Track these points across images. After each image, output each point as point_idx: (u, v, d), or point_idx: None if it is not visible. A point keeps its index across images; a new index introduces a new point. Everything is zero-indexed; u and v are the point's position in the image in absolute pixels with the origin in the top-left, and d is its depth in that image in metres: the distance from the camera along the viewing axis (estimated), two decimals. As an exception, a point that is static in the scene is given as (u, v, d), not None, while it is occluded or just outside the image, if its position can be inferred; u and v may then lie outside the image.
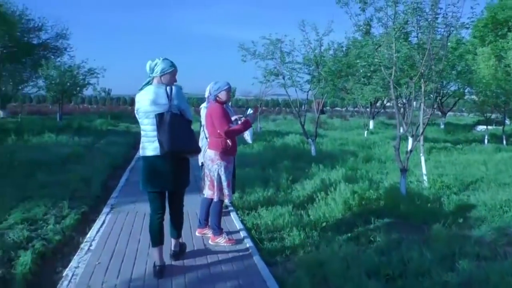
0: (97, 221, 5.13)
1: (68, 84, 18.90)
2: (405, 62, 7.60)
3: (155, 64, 3.79)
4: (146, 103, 3.68)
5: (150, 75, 3.79)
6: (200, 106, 4.86)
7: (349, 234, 5.12)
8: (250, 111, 4.37)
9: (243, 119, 4.37)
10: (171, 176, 3.63)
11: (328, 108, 62.67)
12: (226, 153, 4.27)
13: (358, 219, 5.65)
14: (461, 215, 5.86)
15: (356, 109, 62.83)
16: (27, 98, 59.77)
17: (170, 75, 3.78)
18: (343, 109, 63.61)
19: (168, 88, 3.68)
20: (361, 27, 6.28)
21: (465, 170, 9.53)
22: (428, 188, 7.33)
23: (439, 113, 25.32)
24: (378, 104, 20.14)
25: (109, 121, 22.90)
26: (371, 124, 21.89)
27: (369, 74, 11.81)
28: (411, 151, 6.51)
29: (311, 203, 6.24)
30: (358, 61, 11.89)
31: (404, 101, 12.22)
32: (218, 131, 4.19)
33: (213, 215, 4.42)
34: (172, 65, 3.81)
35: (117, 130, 19.04)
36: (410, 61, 7.74)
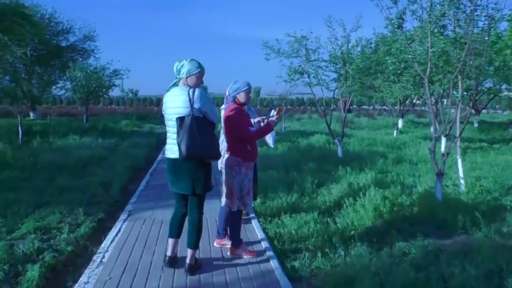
0: (112, 229, 4.91)
1: (94, 85, 19.04)
2: (440, 57, 7.06)
3: (182, 66, 3.65)
4: (170, 105, 3.63)
5: (177, 76, 3.68)
6: (220, 108, 4.58)
7: (381, 245, 4.71)
8: (273, 112, 4.04)
9: (266, 121, 4.04)
10: (189, 180, 3.55)
11: (354, 106, 61.54)
12: (246, 158, 3.95)
13: (390, 227, 5.22)
14: (505, 223, 5.33)
15: (383, 107, 61.59)
16: (57, 100, 61.55)
17: (196, 76, 3.63)
18: (370, 107, 62.36)
19: (191, 90, 3.55)
20: (393, 21, 5.82)
21: (504, 173, 8.87)
22: (465, 192, 6.79)
23: (473, 110, 24.21)
24: (407, 102, 19.36)
25: (134, 122, 23.03)
26: (400, 123, 21.13)
27: (399, 72, 11.24)
28: (447, 153, 5.99)
29: (338, 209, 5.85)
30: (387, 58, 11.37)
31: (435, 99, 11.59)
32: (236, 135, 3.89)
33: (232, 225, 4.11)
34: (199, 66, 3.65)
35: (141, 131, 19.06)
36: (445, 57, 7.20)
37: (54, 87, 24.48)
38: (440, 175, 5.89)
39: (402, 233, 5.02)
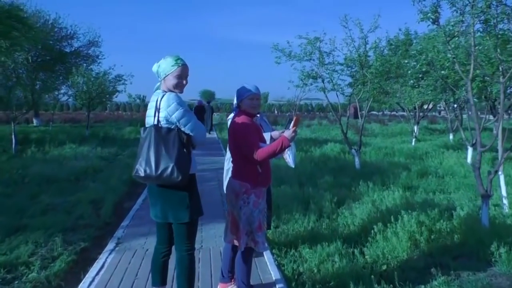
0: (95, 264, 4.06)
1: (96, 91, 18.34)
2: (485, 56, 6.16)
3: (158, 66, 2.90)
4: (148, 116, 2.93)
5: (158, 80, 2.94)
6: (228, 118, 3.74)
7: (423, 287, 3.81)
8: (291, 124, 3.17)
9: (291, 129, 3.15)
10: (160, 205, 2.88)
11: (363, 112, 60.36)
12: (256, 183, 3.09)
13: (429, 261, 4.32)
14: None
15: (393, 113, 60.31)
16: (64, 106, 61.27)
17: (173, 76, 2.84)
18: (379, 113, 61.17)
19: (160, 95, 2.81)
20: (428, 15, 4.94)
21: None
22: (510, 214, 5.85)
23: (490, 116, 23.07)
24: (425, 107, 18.39)
25: (138, 129, 22.29)
26: (415, 129, 20.16)
27: (420, 76, 10.34)
28: (495, 171, 5.06)
29: (364, 236, 4.95)
30: (406, 61, 10.48)
31: (458, 105, 10.67)
32: (244, 153, 3.03)
33: (239, 268, 3.23)
34: (175, 63, 2.84)
35: (145, 138, 18.28)
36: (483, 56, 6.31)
37: (56, 93, 23.88)
38: (486, 197, 4.97)
39: (445, 270, 4.11)
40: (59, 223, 5.17)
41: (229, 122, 3.52)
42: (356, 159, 9.72)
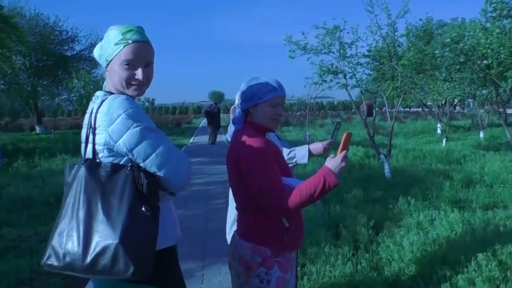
0: None
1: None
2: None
3: (101, 46, 1.62)
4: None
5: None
6: (226, 135, 2.41)
7: None
8: (340, 145, 1.83)
9: (339, 155, 1.77)
10: None
11: (377, 109, 58.66)
12: (281, 247, 1.81)
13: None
14: None
15: (406, 109, 58.31)
16: (72, 112, 60.66)
17: (118, 62, 1.56)
18: (393, 109, 59.35)
19: (98, 101, 1.60)
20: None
21: None
22: None
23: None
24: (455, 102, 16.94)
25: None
26: (439, 127, 18.66)
27: (457, 68, 8.93)
28: None
29: (423, 283, 3.62)
30: (437, 51, 9.07)
31: (503, 100, 9.24)
32: (259, 200, 1.74)
33: None
34: (123, 38, 1.54)
35: (149, 144, 17.07)
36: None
37: (57, 99, 22.97)
38: None
39: None
40: (17, 270, 3.93)
41: (227, 138, 2.21)
42: (386, 166, 8.35)
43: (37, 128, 25.86)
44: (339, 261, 4.06)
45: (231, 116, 1.94)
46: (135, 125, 1.49)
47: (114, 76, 1.59)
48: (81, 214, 1.44)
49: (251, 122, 1.85)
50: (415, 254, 4.17)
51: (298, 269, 3.90)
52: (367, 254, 4.34)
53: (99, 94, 1.62)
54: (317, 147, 2.58)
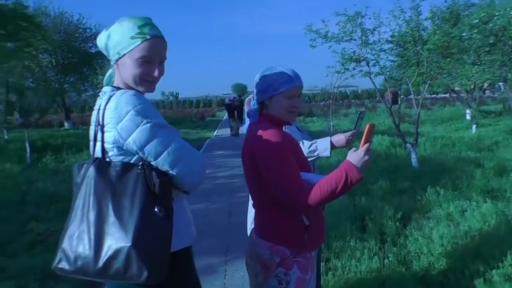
0: None
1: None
2: None
3: (108, 36, 1.53)
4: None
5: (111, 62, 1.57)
6: (242, 125, 2.32)
7: None
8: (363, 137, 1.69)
9: (361, 148, 1.64)
10: None
11: (402, 97, 57.30)
12: (300, 246, 1.72)
13: None
14: None
15: (433, 95, 56.62)
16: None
17: (132, 58, 1.48)
18: (419, 96, 57.88)
19: (105, 97, 1.53)
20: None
21: None
22: None
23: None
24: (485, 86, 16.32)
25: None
26: (468, 113, 18.04)
27: (487, 50, 8.53)
28: None
29: (454, 277, 3.45)
30: (464, 34, 8.68)
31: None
32: (277, 195, 1.65)
33: None
34: (140, 33, 1.47)
35: (173, 138, 17.21)
36: None
37: (83, 95, 23.54)
38: None
39: None
40: (44, 264, 3.98)
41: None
42: (413, 155, 8.09)
43: (66, 124, 26.50)
44: (365, 255, 3.94)
45: (246, 109, 1.85)
46: (144, 121, 1.42)
47: (126, 71, 1.53)
48: (92, 216, 1.39)
49: (267, 115, 1.76)
50: (445, 248, 4.00)
51: (322, 264, 3.81)
52: (394, 248, 4.20)
53: (106, 89, 1.56)
54: (339, 139, 2.46)
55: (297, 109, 1.75)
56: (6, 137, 17.53)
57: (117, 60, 1.54)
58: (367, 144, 1.60)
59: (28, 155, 10.40)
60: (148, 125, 1.42)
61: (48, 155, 10.40)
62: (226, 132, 20.47)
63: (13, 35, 10.45)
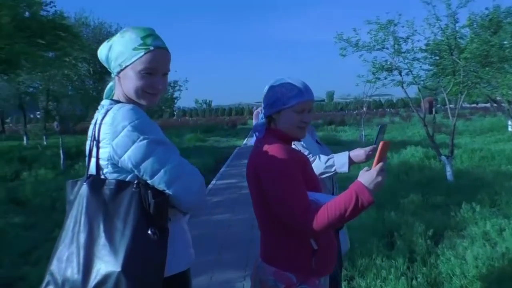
0: None
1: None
2: None
3: (109, 48, 1.48)
4: None
5: (112, 74, 1.53)
6: (246, 141, 2.14)
7: None
8: (377, 153, 1.53)
9: (374, 168, 1.45)
10: None
11: (439, 106, 55.49)
12: (308, 272, 1.58)
13: None
14: None
15: (473, 105, 54.46)
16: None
17: (135, 70, 1.44)
18: (454, 106, 55.87)
19: (103, 111, 1.45)
20: None
21: None
22: None
23: None
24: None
25: (198, 135, 21.57)
26: (510, 124, 17.21)
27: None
28: None
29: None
30: (506, 42, 8.23)
31: None
32: (282, 218, 1.54)
33: None
34: (143, 44, 1.41)
35: (203, 146, 17.41)
36: None
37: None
38: None
39: None
40: None
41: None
42: (448, 168, 7.72)
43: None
44: (391, 275, 3.73)
45: (254, 122, 1.74)
46: (141, 138, 1.34)
47: (127, 83, 1.46)
48: (82, 237, 1.31)
49: (275, 130, 1.64)
50: (480, 270, 3.73)
51: (345, 283, 3.64)
52: (424, 268, 3.95)
53: (104, 103, 1.50)
54: (358, 153, 2.31)
55: (306, 124, 1.63)
56: (44, 143, 18.23)
57: (118, 73, 1.48)
58: (380, 164, 1.45)
59: (61, 161, 10.71)
60: (145, 141, 1.34)
61: (81, 162, 10.68)
62: (256, 140, 20.47)
63: (52, 44, 10.88)
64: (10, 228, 5.47)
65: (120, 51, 1.44)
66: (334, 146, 15.40)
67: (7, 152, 14.52)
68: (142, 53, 1.42)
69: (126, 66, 1.44)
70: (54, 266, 1.33)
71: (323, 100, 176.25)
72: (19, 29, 9.36)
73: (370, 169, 1.46)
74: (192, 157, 12.64)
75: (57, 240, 1.39)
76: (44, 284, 1.35)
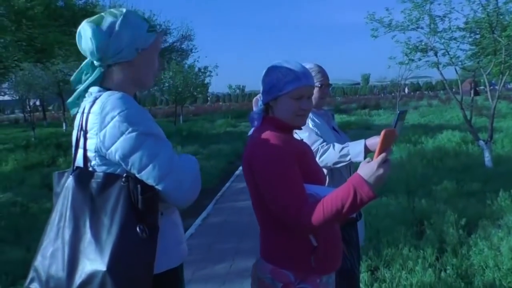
0: None
1: (182, 85, 17.85)
2: None
3: (109, 34, 1.41)
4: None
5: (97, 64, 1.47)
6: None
7: None
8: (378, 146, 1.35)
9: (375, 159, 1.31)
10: None
11: (482, 87, 52.76)
12: (307, 270, 1.47)
13: None
14: None
15: (519, 86, 51.39)
16: (170, 101, 64.96)
17: (153, 52, 1.47)
18: (503, 87, 52.99)
19: (90, 100, 1.37)
20: None
21: None
22: None
23: None
24: None
25: (229, 121, 21.62)
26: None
27: None
28: None
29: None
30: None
31: None
32: (276, 213, 1.43)
33: None
34: (150, 25, 1.42)
35: (234, 131, 17.41)
36: None
37: (151, 89, 24.66)
38: None
39: None
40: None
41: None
42: (486, 154, 7.32)
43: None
44: (418, 266, 3.56)
45: (254, 109, 1.63)
46: (130, 129, 1.26)
47: (141, 69, 1.42)
48: (67, 233, 1.25)
49: (272, 118, 1.52)
50: (513, 262, 3.49)
51: (368, 273, 3.51)
52: (454, 259, 3.76)
53: (93, 90, 1.41)
54: (375, 142, 2.15)
55: (305, 112, 1.50)
56: (64, 130, 18.76)
57: (114, 62, 1.39)
58: (382, 155, 1.30)
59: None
60: (134, 133, 1.26)
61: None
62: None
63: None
64: (42, 213, 5.65)
65: (132, 35, 1.36)
66: (365, 130, 15.00)
67: (46, 138, 15.10)
68: (155, 35, 1.43)
69: (143, 49, 1.39)
70: (38, 262, 1.29)
71: (358, 83, 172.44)
72: (53, 18, 9.59)
73: (371, 160, 1.32)
74: (222, 143, 12.70)
75: (42, 234, 1.35)
76: (28, 281, 1.31)
